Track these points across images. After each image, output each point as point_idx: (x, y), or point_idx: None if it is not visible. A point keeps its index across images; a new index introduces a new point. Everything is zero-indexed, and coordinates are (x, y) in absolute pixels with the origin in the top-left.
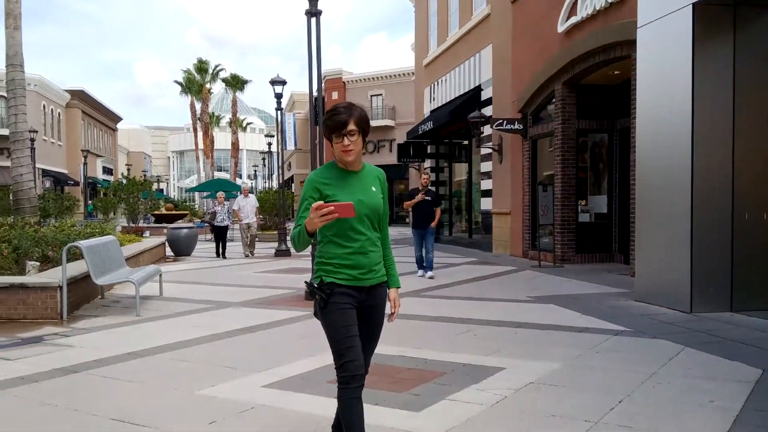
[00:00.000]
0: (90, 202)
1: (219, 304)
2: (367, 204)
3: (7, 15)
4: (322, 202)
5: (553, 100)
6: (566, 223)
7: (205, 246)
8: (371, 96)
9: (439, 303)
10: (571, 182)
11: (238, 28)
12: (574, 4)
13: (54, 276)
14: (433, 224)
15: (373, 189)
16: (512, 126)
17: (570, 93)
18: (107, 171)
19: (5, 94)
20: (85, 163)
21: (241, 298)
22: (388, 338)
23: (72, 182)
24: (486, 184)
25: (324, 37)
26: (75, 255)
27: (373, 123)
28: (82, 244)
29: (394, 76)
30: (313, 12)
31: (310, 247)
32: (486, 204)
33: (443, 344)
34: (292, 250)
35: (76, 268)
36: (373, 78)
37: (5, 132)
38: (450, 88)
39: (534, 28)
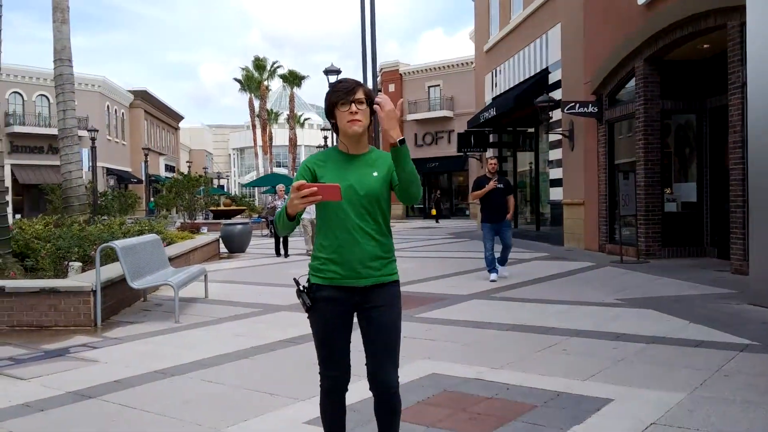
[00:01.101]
0: (152, 199)
1: (266, 307)
2: (360, 189)
3: (54, 9)
4: (304, 182)
5: (633, 79)
6: (651, 213)
7: (263, 242)
8: (429, 87)
9: (515, 307)
10: (656, 168)
11: (296, 28)
12: None
13: (87, 279)
14: (509, 216)
15: (375, 174)
16: (585, 109)
17: (652, 71)
18: (170, 168)
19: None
20: (146, 161)
21: (291, 301)
22: (459, 353)
23: (135, 180)
24: (555, 173)
25: (380, 34)
26: (115, 255)
27: (431, 114)
28: (117, 244)
29: (452, 66)
30: None
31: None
32: (556, 194)
33: (527, 363)
34: None
35: (114, 270)
36: (430, 69)
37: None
38: (513, 73)
39: (609, 3)
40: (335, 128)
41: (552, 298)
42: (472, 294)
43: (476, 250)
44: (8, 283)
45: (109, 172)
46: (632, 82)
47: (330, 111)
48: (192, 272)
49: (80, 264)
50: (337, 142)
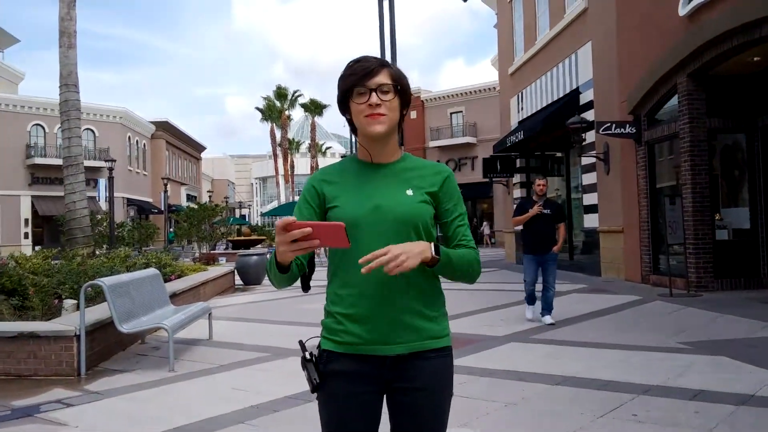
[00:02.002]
0: (171, 229)
1: (275, 352)
2: (390, 212)
3: (61, 34)
4: (291, 219)
5: (675, 96)
6: (701, 241)
7: None
8: (451, 113)
9: (561, 353)
10: (704, 192)
11: (318, 57)
12: None
13: (71, 322)
14: (555, 248)
15: (409, 192)
16: (623, 130)
17: (697, 87)
18: (191, 198)
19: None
20: (165, 191)
21: None
22: (502, 419)
23: (156, 210)
24: (589, 199)
25: (401, 64)
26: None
27: (454, 141)
28: (105, 281)
29: (474, 92)
30: None
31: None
32: (591, 221)
33: None
34: None
35: (105, 310)
36: (452, 95)
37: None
38: (541, 95)
39: (645, 16)
40: (352, 127)
41: (602, 340)
42: (509, 335)
43: (508, 281)
44: None
45: (130, 202)
46: (674, 100)
47: (343, 103)
48: (193, 312)
49: (75, 302)
50: (355, 148)
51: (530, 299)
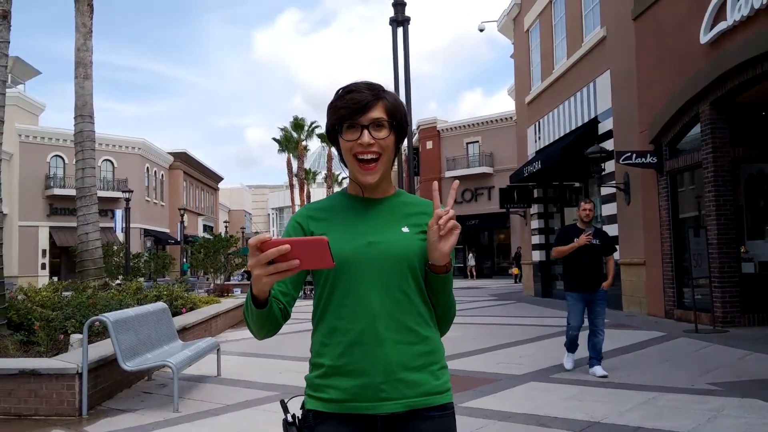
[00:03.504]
0: (185, 260)
1: (283, 390)
2: (385, 250)
3: (77, 65)
4: (266, 236)
5: (698, 125)
6: (726, 275)
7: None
8: (467, 144)
9: (583, 394)
10: (729, 224)
11: (337, 88)
12: (722, 7)
13: (74, 359)
14: (605, 284)
15: (404, 230)
16: (643, 159)
17: (720, 115)
18: (208, 229)
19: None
20: (182, 221)
21: None
22: None
23: (173, 241)
24: (610, 230)
25: (419, 94)
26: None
27: (470, 171)
28: (109, 317)
29: (491, 122)
30: (400, 20)
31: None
32: None
33: None
34: None
35: (110, 347)
36: (468, 125)
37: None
38: (558, 124)
39: (665, 44)
40: (341, 158)
41: (627, 381)
42: (528, 374)
43: (526, 315)
44: None
45: (147, 233)
46: (696, 129)
47: (332, 135)
48: (201, 348)
49: (81, 337)
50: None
51: (572, 346)
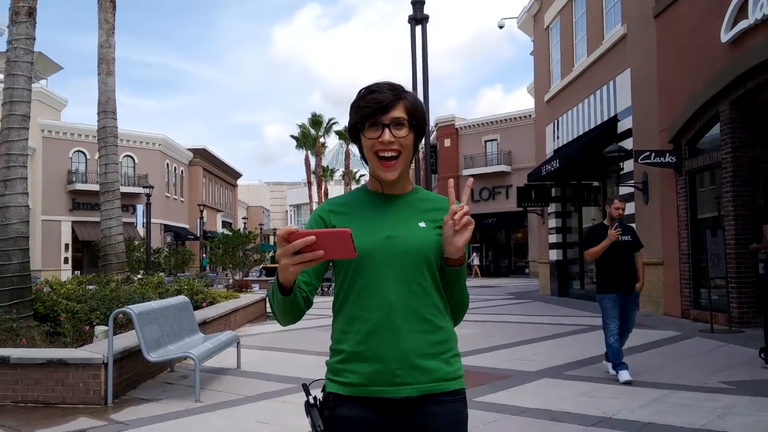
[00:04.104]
0: (204, 256)
1: (301, 382)
2: (402, 244)
3: (100, 61)
4: (292, 228)
5: (718, 125)
6: (743, 275)
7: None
8: (485, 141)
9: (596, 390)
10: (747, 224)
11: (355, 85)
12: (743, 5)
13: (99, 350)
14: (639, 285)
15: (422, 225)
16: (662, 159)
17: (739, 115)
18: (226, 225)
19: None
20: (201, 217)
21: None
22: None
23: (192, 236)
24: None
25: (438, 92)
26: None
27: (488, 169)
28: (133, 309)
29: (510, 120)
30: (418, 19)
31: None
32: None
33: None
34: None
35: (134, 338)
36: (486, 123)
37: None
38: (577, 123)
39: (686, 43)
40: (362, 155)
41: (640, 378)
42: (542, 370)
43: (541, 314)
44: (14, 353)
45: (167, 228)
46: (716, 129)
47: (354, 133)
48: (221, 341)
49: (106, 328)
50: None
51: (618, 355)
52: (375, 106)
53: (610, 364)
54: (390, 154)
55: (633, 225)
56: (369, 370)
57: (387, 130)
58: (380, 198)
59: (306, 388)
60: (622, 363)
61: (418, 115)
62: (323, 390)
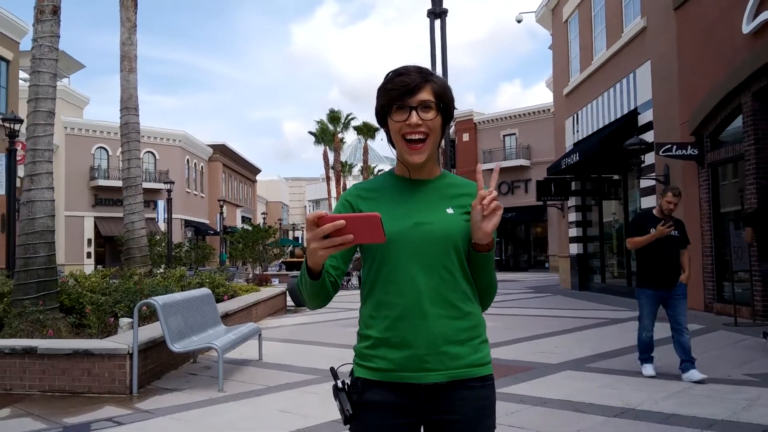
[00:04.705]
0: (223, 251)
1: (323, 374)
2: (431, 230)
3: (122, 58)
4: (322, 212)
5: (740, 116)
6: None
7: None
8: (504, 136)
9: (619, 382)
10: None
11: (373, 81)
12: None
13: (126, 340)
14: (684, 277)
15: (449, 211)
16: (684, 151)
17: (762, 106)
18: (246, 220)
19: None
20: (221, 213)
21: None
22: None
23: (212, 231)
24: None
25: (457, 87)
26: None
27: (507, 163)
28: (158, 300)
29: (528, 114)
30: (437, 12)
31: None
32: None
33: None
34: None
35: (158, 329)
36: (505, 117)
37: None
38: (597, 116)
39: (707, 34)
40: (389, 138)
41: (663, 370)
42: (564, 363)
43: (562, 307)
44: (41, 343)
45: (187, 223)
46: (738, 120)
47: (381, 116)
48: (243, 332)
49: (130, 320)
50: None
51: (648, 349)
52: (402, 88)
53: (692, 372)
54: (417, 136)
55: (682, 219)
56: (398, 356)
57: (414, 113)
58: (408, 183)
59: (334, 372)
60: (649, 356)
61: (445, 98)
62: (351, 375)
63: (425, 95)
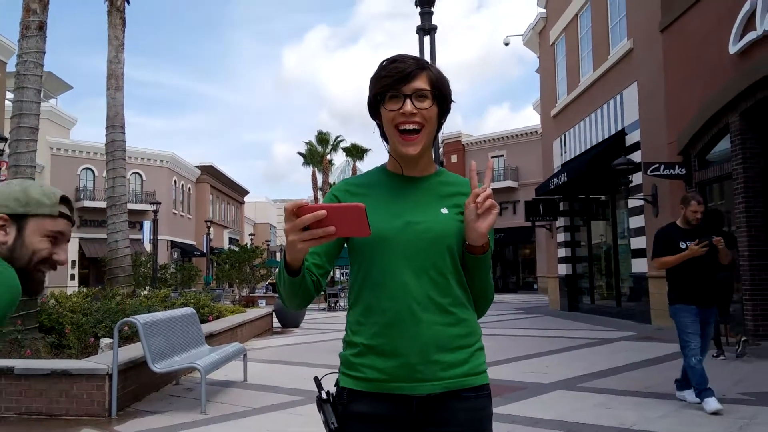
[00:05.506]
0: (208, 273)
1: (309, 395)
2: (423, 230)
3: (109, 76)
4: (303, 201)
5: (728, 136)
6: (758, 288)
7: (319, 317)
8: (492, 157)
9: (611, 402)
10: (760, 236)
11: (362, 103)
12: (751, 16)
13: (103, 361)
14: (717, 240)
15: (444, 211)
16: (672, 171)
17: (750, 126)
18: (233, 242)
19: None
20: (208, 233)
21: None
22: None
23: (199, 253)
24: (637, 243)
25: None
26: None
27: (495, 185)
28: (139, 319)
29: (516, 136)
30: (426, 29)
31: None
32: (639, 266)
33: None
34: None
35: (140, 349)
36: (493, 139)
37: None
38: (585, 137)
39: (693, 55)
40: (382, 132)
41: (656, 390)
42: (556, 382)
43: (551, 328)
44: (18, 364)
45: (174, 245)
46: (726, 140)
47: (373, 107)
48: (228, 352)
49: (111, 341)
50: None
51: (705, 378)
52: (396, 75)
53: (687, 392)
54: (412, 126)
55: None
56: (387, 365)
57: (408, 101)
58: (400, 180)
59: (318, 382)
60: (708, 388)
61: (442, 88)
62: (336, 385)
63: (420, 83)
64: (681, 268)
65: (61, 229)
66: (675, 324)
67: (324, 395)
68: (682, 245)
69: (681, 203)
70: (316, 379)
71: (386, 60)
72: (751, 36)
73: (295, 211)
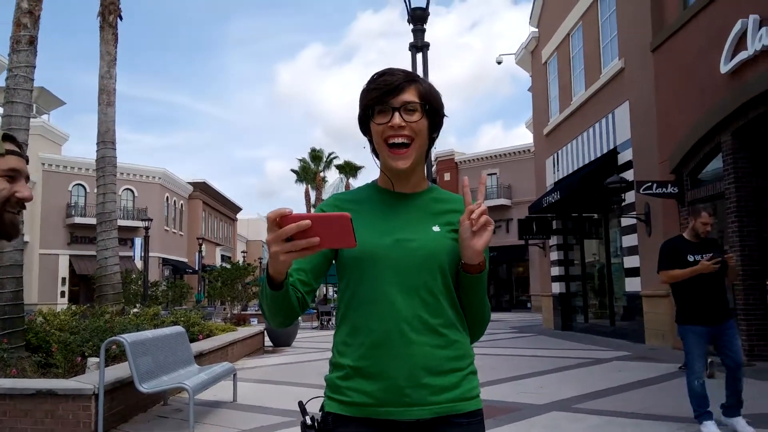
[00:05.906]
0: (198, 290)
1: (299, 416)
2: (415, 249)
3: (100, 91)
4: (287, 209)
5: (720, 155)
6: (752, 308)
7: (312, 335)
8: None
9: (607, 425)
10: (754, 255)
11: (355, 120)
12: (742, 37)
13: (90, 380)
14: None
15: (435, 228)
16: (664, 189)
17: (742, 145)
18: (225, 259)
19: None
20: (200, 251)
21: None
22: None
23: (190, 270)
24: (630, 261)
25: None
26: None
27: (488, 203)
28: (126, 338)
29: (509, 154)
30: (419, 46)
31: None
32: (633, 285)
33: None
34: None
35: (127, 369)
36: (486, 157)
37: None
38: (577, 155)
39: (685, 75)
40: (373, 148)
41: (653, 411)
42: (550, 403)
43: (544, 347)
44: (3, 383)
45: (165, 262)
46: (718, 159)
47: (363, 121)
48: (217, 372)
49: (98, 360)
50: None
51: (705, 401)
52: (385, 88)
53: (705, 426)
54: (401, 140)
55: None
56: (374, 388)
57: (397, 114)
58: (391, 196)
59: (302, 407)
60: (707, 412)
61: (432, 100)
62: (321, 409)
63: (409, 96)
64: (689, 286)
65: (13, 166)
66: (683, 343)
67: (309, 420)
68: (690, 258)
69: (691, 215)
70: (300, 403)
71: (376, 73)
72: (742, 56)
73: (278, 221)
